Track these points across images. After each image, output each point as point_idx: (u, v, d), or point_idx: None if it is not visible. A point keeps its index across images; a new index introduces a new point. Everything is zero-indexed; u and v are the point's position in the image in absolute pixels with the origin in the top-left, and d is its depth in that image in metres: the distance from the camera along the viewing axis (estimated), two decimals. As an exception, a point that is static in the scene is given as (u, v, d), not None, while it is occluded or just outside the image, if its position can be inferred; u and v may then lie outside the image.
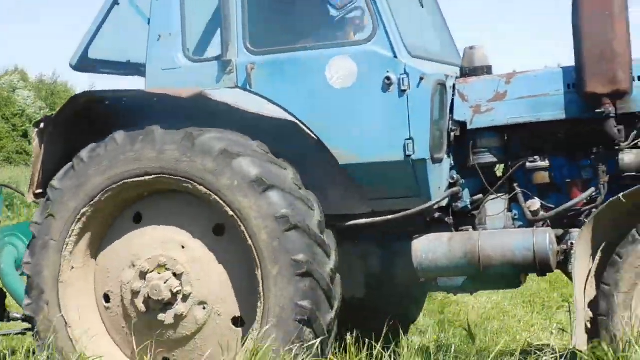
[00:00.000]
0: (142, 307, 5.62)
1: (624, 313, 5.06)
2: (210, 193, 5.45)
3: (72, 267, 5.81)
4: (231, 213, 5.41)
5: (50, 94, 41.51)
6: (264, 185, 5.34)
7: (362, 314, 6.37)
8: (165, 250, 5.64)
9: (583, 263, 5.23)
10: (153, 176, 5.59)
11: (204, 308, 5.58)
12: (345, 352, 5.54)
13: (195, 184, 5.49)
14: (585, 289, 5.22)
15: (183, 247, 5.64)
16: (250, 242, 5.37)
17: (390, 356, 5.44)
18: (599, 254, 5.27)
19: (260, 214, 5.34)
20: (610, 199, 5.21)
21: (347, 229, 5.83)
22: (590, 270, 5.28)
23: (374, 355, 5.47)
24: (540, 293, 10.29)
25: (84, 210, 5.72)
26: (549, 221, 5.78)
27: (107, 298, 5.85)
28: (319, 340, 5.30)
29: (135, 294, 5.65)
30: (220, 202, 5.43)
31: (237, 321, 5.58)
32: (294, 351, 5.23)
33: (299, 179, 5.55)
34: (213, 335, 5.58)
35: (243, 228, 5.39)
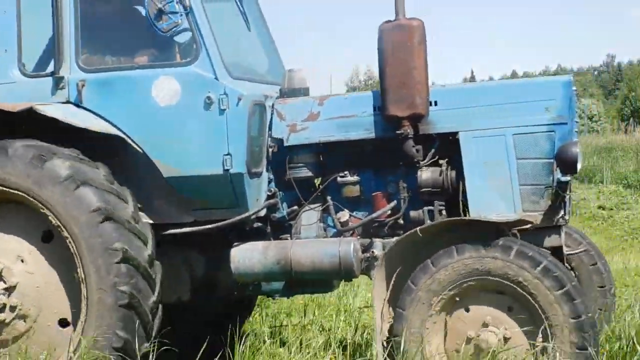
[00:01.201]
0: None
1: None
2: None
3: None
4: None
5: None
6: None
7: (189, 315, 6.77)
8: None
9: (381, 289, 5.63)
10: None
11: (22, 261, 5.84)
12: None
13: None
14: (382, 312, 5.61)
15: None
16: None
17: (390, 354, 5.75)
18: (393, 280, 5.66)
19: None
20: (408, 232, 5.66)
21: (173, 236, 6.21)
22: (388, 295, 5.66)
23: (373, 354, 5.77)
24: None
25: None
26: (357, 231, 6.27)
27: None
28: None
29: None
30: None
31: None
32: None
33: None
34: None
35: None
